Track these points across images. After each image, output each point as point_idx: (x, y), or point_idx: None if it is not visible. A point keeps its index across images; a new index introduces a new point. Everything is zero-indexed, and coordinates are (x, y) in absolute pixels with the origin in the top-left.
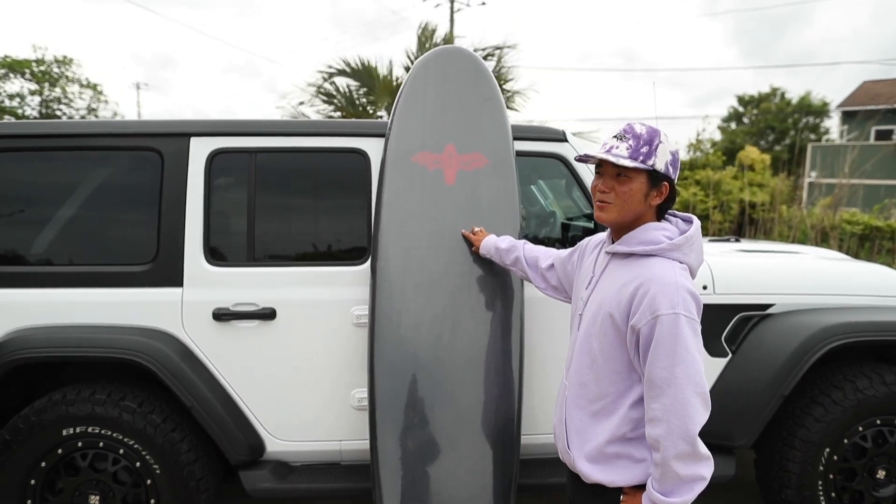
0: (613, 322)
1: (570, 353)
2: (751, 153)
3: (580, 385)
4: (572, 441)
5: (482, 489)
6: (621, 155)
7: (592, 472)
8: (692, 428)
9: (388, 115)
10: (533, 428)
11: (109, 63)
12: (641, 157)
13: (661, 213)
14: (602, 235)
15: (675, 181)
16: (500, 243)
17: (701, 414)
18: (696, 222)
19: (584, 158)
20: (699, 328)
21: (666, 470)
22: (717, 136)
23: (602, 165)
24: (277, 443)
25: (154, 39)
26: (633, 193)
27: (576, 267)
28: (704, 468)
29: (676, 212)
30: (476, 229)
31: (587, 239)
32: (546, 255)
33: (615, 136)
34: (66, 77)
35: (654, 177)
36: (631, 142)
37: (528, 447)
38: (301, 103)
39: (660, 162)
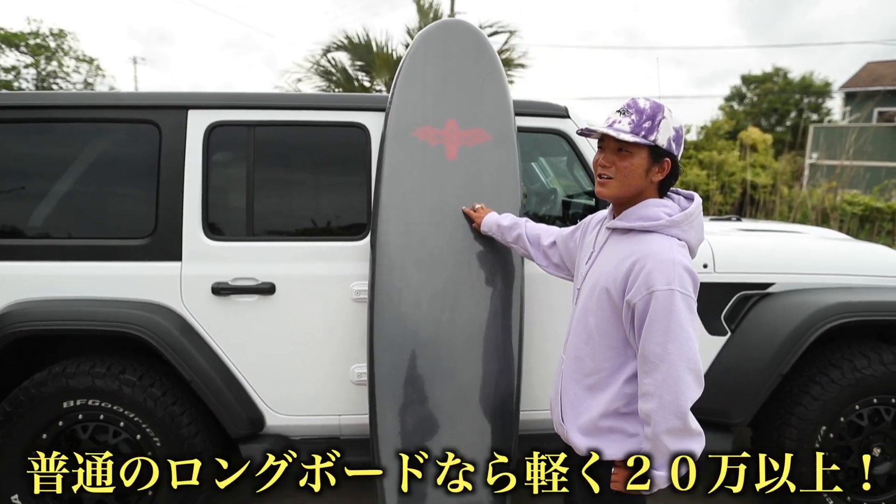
0: (609, 297)
1: (568, 328)
2: (753, 133)
3: (576, 359)
4: (566, 414)
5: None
6: (623, 129)
7: (584, 444)
8: (684, 403)
9: (387, 89)
10: (532, 404)
11: (106, 37)
12: (643, 133)
13: (663, 190)
14: (604, 212)
15: (679, 158)
16: (501, 220)
17: (693, 390)
18: (698, 199)
19: (585, 132)
20: (695, 305)
21: (657, 444)
22: (720, 116)
23: (604, 140)
24: (277, 417)
25: (151, 13)
26: (634, 168)
27: (578, 244)
28: (695, 444)
29: (679, 189)
30: (477, 206)
31: (590, 216)
32: (548, 232)
33: (618, 111)
34: (62, 50)
35: (656, 152)
36: (633, 116)
37: (527, 423)
38: (299, 80)
39: (662, 137)
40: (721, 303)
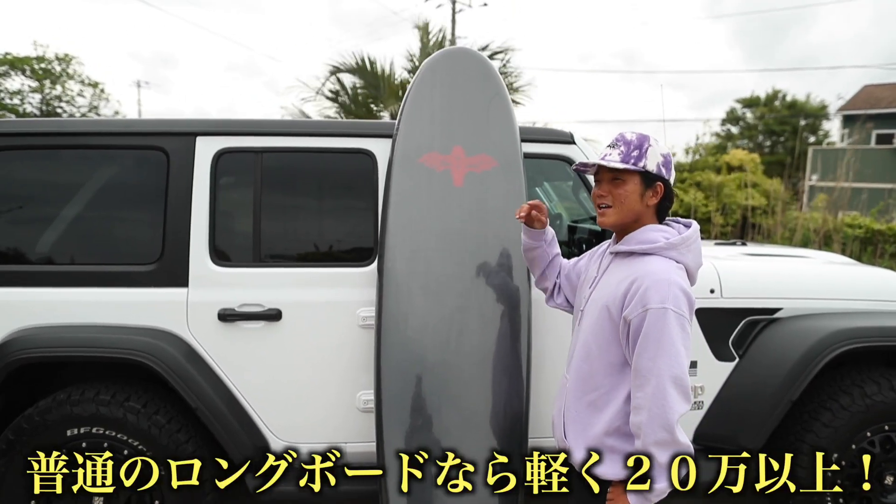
0: (609, 315)
1: (571, 349)
2: (737, 154)
3: (578, 377)
4: (569, 430)
5: (489, 492)
6: (614, 160)
7: (584, 458)
8: (671, 417)
9: (392, 116)
10: (541, 430)
11: (110, 61)
12: (633, 160)
13: (661, 215)
14: (609, 242)
15: (672, 182)
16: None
17: (680, 404)
18: (695, 225)
19: (581, 167)
20: (688, 325)
21: (648, 457)
22: (714, 140)
23: (599, 173)
24: (282, 444)
25: (154, 37)
26: (629, 195)
27: (582, 271)
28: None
29: (679, 218)
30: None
31: (597, 246)
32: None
33: (608, 146)
34: (67, 74)
35: (648, 178)
36: (622, 148)
37: (536, 448)
38: (304, 100)
39: (651, 163)
40: (728, 328)
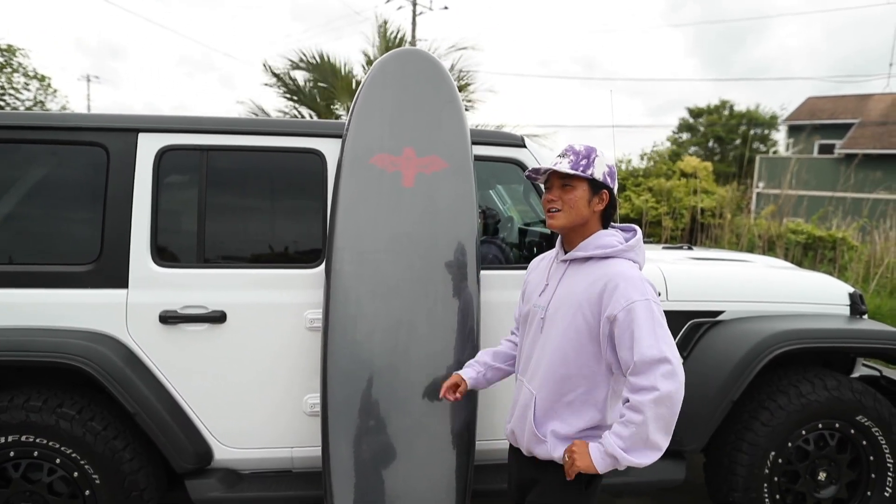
0: (585, 318)
1: (529, 354)
2: (691, 161)
3: (553, 380)
4: (543, 431)
5: (437, 495)
6: (564, 167)
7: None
8: (679, 398)
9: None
10: (489, 433)
11: (55, 52)
12: (581, 168)
13: (605, 221)
14: (548, 253)
15: (615, 191)
16: (479, 365)
17: (682, 385)
18: (638, 229)
19: (532, 175)
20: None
21: (640, 431)
22: (667, 146)
23: (550, 180)
24: (226, 450)
25: (101, 26)
26: (578, 200)
27: (526, 285)
28: (665, 443)
29: (617, 224)
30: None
31: (535, 259)
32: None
33: (559, 155)
34: (11, 67)
35: (594, 185)
36: (571, 157)
37: (484, 453)
38: (266, 84)
39: (598, 172)
40: (673, 330)
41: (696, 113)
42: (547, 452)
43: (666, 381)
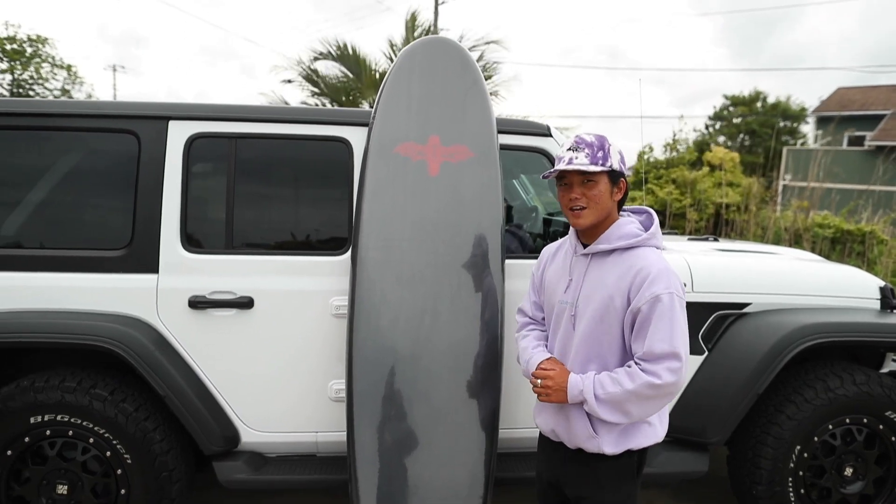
0: (615, 309)
1: (561, 351)
2: (717, 152)
3: (590, 369)
4: (596, 424)
5: (460, 482)
6: (583, 163)
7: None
8: (673, 391)
9: (372, 105)
10: (511, 422)
11: (78, 41)
12: (600, 161)
13: (618, 208)
14: (557, 243)
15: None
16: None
17: (682, 381)
18: (652, 211)
19: (550, 175)
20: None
21: (623, 396)
22: (692, 136)
23: (565, 178)
24: (253, 433)
25: (123, 14)
26: (602, 194)
27: (541, 280)
28: (635, 419)
29: (626, 207)
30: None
31: (542, 252)
32: (536, 307)
33: (570, 150)
34: (40, 57)
35: (613, 175)
36: (586, 150)
37: (506, 441)
38: (289, 81)
39: (614, 161)
40: (699, 322)
41: (734, 101)
42: (598, 447)
43: (669, 375)
